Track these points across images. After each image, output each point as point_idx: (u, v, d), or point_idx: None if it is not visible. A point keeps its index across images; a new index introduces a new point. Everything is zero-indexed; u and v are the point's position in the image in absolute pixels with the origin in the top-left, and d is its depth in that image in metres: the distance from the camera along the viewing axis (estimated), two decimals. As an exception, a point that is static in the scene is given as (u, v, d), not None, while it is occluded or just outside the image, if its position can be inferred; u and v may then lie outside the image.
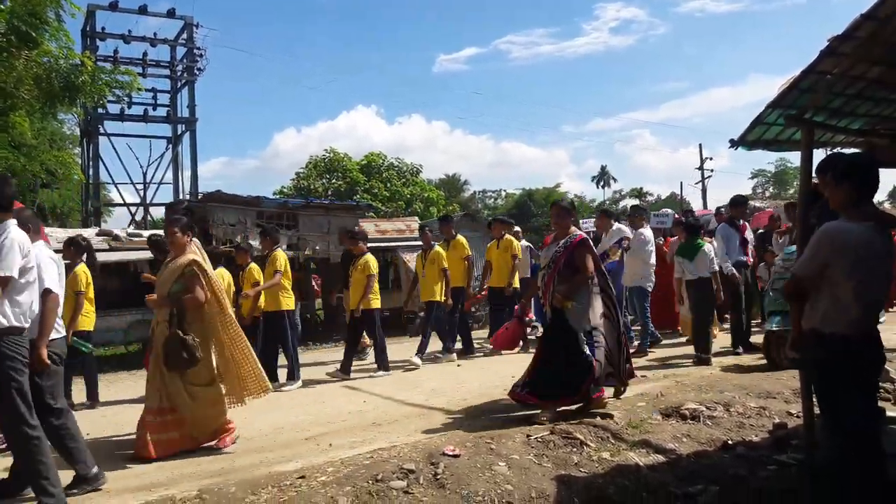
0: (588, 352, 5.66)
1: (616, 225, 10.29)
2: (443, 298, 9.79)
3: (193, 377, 5.48)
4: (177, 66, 27.69)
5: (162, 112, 27.70)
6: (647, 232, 9.64)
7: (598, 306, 5.86)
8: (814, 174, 4.04)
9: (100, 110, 23.68)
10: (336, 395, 7.82)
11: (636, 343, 9.37)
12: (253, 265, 8.93)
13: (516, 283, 10.70)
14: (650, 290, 9.53)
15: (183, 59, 27.55)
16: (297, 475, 4.52)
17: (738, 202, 9.84)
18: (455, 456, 4.57)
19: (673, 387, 6.88)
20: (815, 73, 4.21)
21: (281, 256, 8.80)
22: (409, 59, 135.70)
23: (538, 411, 5.69)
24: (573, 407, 5.83)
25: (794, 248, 7.17)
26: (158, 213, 30.01)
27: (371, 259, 9.10)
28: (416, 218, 21.41)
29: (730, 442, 5.06)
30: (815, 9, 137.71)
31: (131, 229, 19.52)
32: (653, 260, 9.54)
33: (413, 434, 5.50)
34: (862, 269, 3.26)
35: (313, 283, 14.37)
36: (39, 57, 11.18)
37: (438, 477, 4.27)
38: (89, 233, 13.19)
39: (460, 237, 10.55)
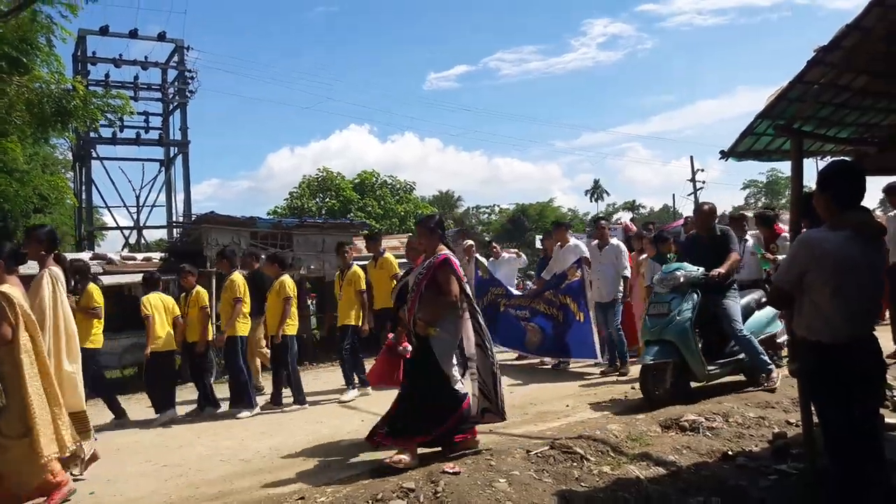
0: (459, 385, 5.28)
1: (572, 241, 9.95)
2: (359, 323, 9.03)
3: (5, 428, 4.71)
4: (168, 89, 27.80)
5: (154, 135, 27.80)
6: (616, 242, 9.32)
7: (470, 334, 5.37)
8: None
9: (92, 134, 23.74)
10: (333, 415, 7.79)
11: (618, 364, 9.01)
12: (199, 289, 8.72)
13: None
14: (622, 303, 9.23)
15: (174, 81, 27.65)
16: (297, 496, 4.50)
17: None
18: (455, 473, 4.55)
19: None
20: (803, 83, 4.24)
21: (239, 281, 8.57)
22: (400, 77, 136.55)
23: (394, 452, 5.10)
24: (437, 449, 5.31)
25: (674, 266, 7.02)
26: (152, 235, 30.04)
27: (287, 280, 8.76)
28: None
29: (730, 452, 5.04)
30: (800, 21, 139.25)
31: (125, 252, 19.52)
32: (628, 272, 9.17)
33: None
34: (839, 277, 3.28)
35: (308, 301, 14.35)
36: (31, 82, 11.16)
37: (439, 495, 4.25)
38: (83, 256, 13.17)
39: (389, 255, 9.69)
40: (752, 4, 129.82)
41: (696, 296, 6.71)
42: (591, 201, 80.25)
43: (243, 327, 8.59)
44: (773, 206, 9.77)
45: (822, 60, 3.99)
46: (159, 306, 8.45)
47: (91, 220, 26.91)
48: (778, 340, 7.62)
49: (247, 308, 8.64)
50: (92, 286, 8.18)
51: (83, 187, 25.97)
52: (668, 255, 8.61)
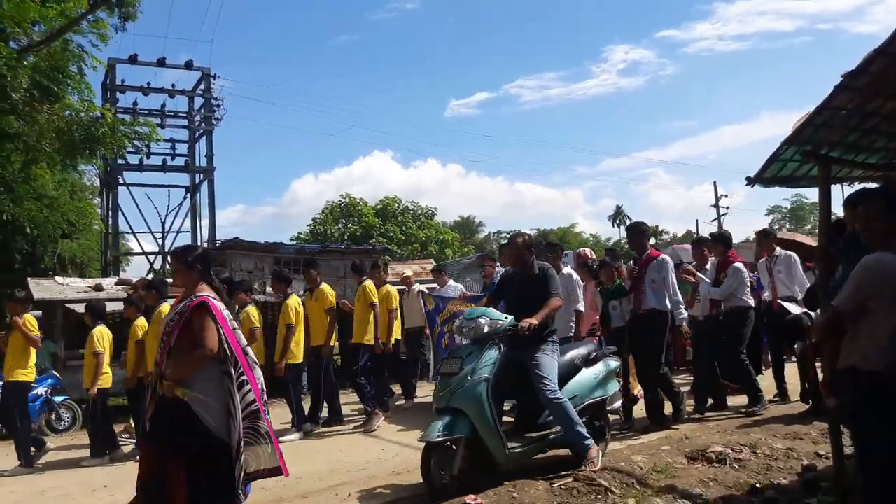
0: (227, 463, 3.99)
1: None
2: (279, 360, 8.42)
3: None
4: (195, 117, 28.19)
5: (180, 161, 28.12)
6: (568, 272, 7.98)
7: (235, 397, 3.99)
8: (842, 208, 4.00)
9: (119, 161, 24.06)
10: (354, 443, 7.73)
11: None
12: (140, 320, 8.30)
13: (394, 336, 9.37)
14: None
15: (200, 109, 28.04)
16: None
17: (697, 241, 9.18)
18: (477, 504, 4.47)
19: (697, 429, 6.77)
20: (830, 108, 4.20)
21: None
22: (421, 104, 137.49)
23: None
24: None
25: (478, 310, 5.54)
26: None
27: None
28: (432, 260, 21.44)
29: (758, 485, 4.92)
30: (823, 46, 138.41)
31: (150, 278, 19.68)
32: (581, 306, 7.82)
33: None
34: None
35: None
36: (61, 110, 11.42)
37: (460, 526, 4.18)
38: (108, 282, 13.30)
39: (325, 286, 8.92)
40: (774, 29, 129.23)
41: (495, 351, 5.23)
42: (613, 226, 79.99)
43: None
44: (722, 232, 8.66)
45: (849, 86, 3.94)
46: (107, 341, 8.16)
47: (117, 246, 27.19)
48: (610, 407, 6.07)
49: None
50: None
51: (109, 213, 26.30)
52: (616, 285, 7.42)
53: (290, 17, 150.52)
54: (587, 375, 5.82)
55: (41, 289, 12.69)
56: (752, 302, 7.82)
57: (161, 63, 26.49)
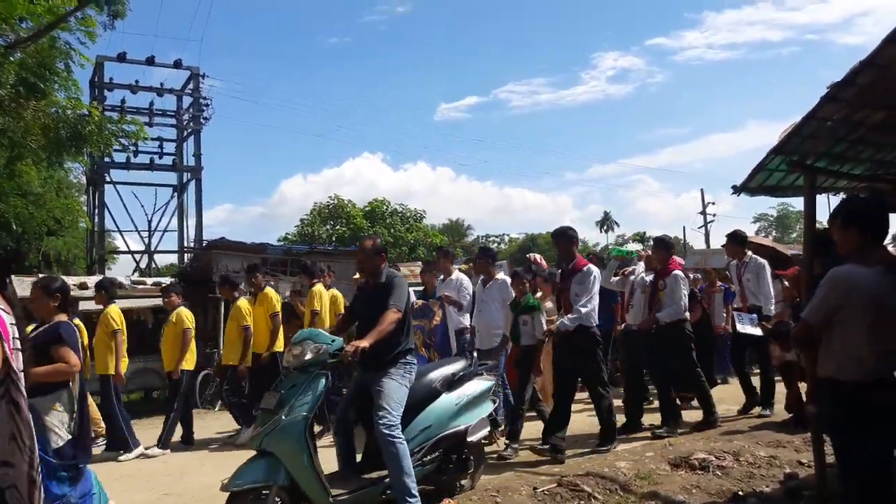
0: None
1: (456, 274, 7.88)
2: (239, 362, 8.22)
3: None
4: (183, 116, 28.06)
5: (168, 160, 27.97)
6: (502, 278, 7.44)
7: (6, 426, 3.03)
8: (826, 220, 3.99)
9: (106, 159, 23.90)
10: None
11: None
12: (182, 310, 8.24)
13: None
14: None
15: (189, 108, 27.92)
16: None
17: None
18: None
19: (681, 435, 6.78)
20: (817, 119, 4.22)
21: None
22: (411, 107, 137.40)
23: None
24: None
25: (305, 332, 4.77)
26: (163, 260, 30.15)
27: (184, 312, 8.23)
28: (420, 263, 21.39)
29: (740, 493, 4.94)
30: (811, 57, 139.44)
31: (135, 277, 19.57)
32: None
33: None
34: (874, 312, 3.19)
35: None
36: (47, 107, 11.31)
37: (442, 531, 4.17)
38: (93, 280, 13.19)
39: (269, 290, 8.68)
40: (763, 39, 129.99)
41: (322, 382, 4.47)
42: (601, 232, 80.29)
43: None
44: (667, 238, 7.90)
45: (836, 97, 3.97)
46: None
47: (103, 244, 26.97)
48: (474, 437, 5.15)
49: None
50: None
51: (96, 211, 26.11)
52: (526, 299, 6.63)
53: (281, 17, 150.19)
54: (446, 402, 5.01)
55: (25, 286, 12.58)
56: (687, 315, 7.20)
57: (150, 61, 26.34)
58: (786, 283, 10.68)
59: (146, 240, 28.39)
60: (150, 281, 14.91)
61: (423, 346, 7.42)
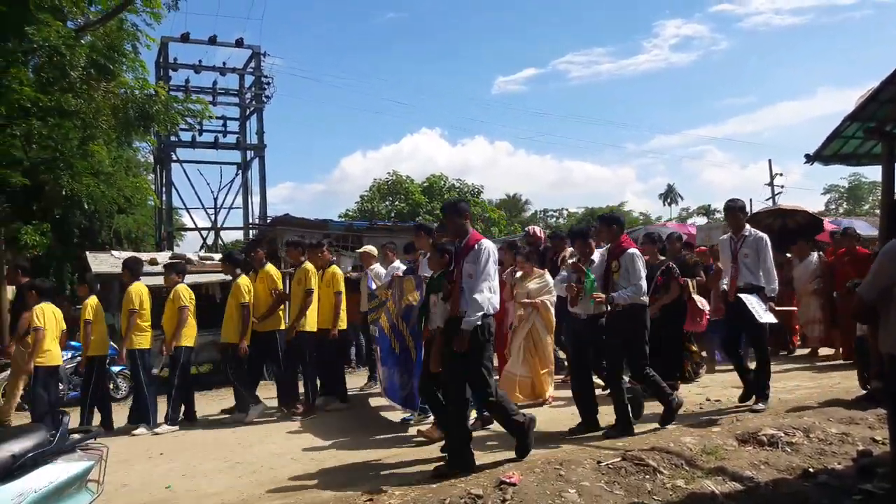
0: None
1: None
2: (240, 340, 8.19)
3: None
4: (245, 94, 28.53)
5: (231, 139, 28.54)
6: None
7: None
8: None
9: (172, 138, 24.54)
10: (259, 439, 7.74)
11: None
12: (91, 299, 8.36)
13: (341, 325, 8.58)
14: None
15: (251, 87, 28.35)
16: (366, 498, 4.54)
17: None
18: (512, 484, 4.47)
19: (748, 411, 6.65)
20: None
21: (183, 290, 8.35)
22: (468, 81, 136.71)
23: None
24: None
25: None
26: (229, 236, 30.89)
27: (182, 289, 8.37)
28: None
29: (811, 470, 4.83)
30: (886, 18, 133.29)
31: (203, 252, 20.12)
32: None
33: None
34: None
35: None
36: (117, 88, 11.66)
37: (506, 502, 4.21)
38: (163, 256, 13.62)
39: (270, 266, 8.72)
40: (833, 3, 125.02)
41: None
42: (664, 205, 78.83)
43: (142, 340, 8.26)
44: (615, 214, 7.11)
45: (919, 60, 3.79)
46: (52, 318, 7.94)
47: (171, 221, 27.82)
48: None
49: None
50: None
51: (163, 189, 26.89)
52: (438, 276, 5.83)
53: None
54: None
55: (98, 262, 13.06)
56: (646, 299, 6.26)
57: (212, 41, 26.83)
58: (821, 253, 9.88)
59: (212, 217, 29.16)
60: (216, 257, 15.31)
61: (391, 328, 7.07)
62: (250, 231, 26.49)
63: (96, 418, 8.25)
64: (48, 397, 7.79)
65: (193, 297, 8.58)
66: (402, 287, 7.00)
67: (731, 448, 5.34)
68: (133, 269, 8.51)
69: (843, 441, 5.48)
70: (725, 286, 6.91)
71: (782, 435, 5.51)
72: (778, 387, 7.42)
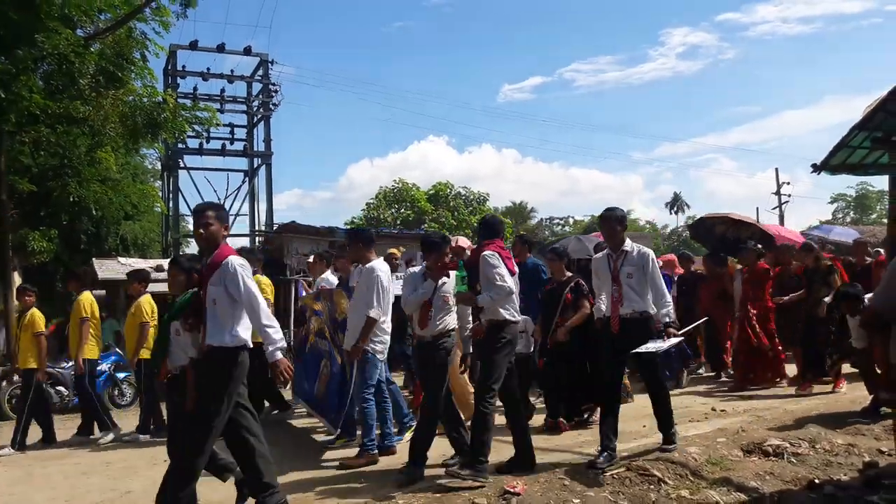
0: None
1: (375, 261, 6.19)
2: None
3: None
4: (253, 102, 28.62)
5: (239, 146, 28.60)
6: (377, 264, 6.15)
7: None
8: None
9: (180, 145, 24.63)
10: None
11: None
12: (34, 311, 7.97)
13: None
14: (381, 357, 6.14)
15: (259, 94, 28.45)
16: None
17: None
18: (516, 494, 4.46)
19: (754, 422, 6.62)
20: (903, 94, 4.05)
21: (86, 299, 8.10)
22: (476, 90, 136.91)
23: None
24: None
25: None
26: (235, 243, 30.91)
27: (144, 304, 7.97)
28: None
29: (817, 481, 4.81)
30: (893, 28, 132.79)
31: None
32: (374, 313, 5.94)
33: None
34: None
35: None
36: (125, 96, 11.75)
37: (510, 512, 4.20)
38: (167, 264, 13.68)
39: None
40: (840, 12, 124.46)
41: None
42: (671, 213, 78.62)
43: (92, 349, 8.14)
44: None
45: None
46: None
47: (177, 228, 27.86)
48: None
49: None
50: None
51: (170, 196, 26.98)
52: (183, 298, 5.04)
53: (346, 2, 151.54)
54: None
55: (105, 269, 13.13)
56: (508, 315, 5.22)
57: (220, 49, 26.92)
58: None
59: (219, 224, 29.15)
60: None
61: (319, 334, 7.12)
62: (257, 238, 26.54)
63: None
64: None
65: (156, 310, 8.10)
66: (332, 300, 6.86)
67: (735, 458, 5.32)
68: (82, 279, 8.47)
69: (850, 452, 5.45)
70: (604, 311, 5.58)
71: (788, 445, 5.49)
72: (784, 397, 7.39)
